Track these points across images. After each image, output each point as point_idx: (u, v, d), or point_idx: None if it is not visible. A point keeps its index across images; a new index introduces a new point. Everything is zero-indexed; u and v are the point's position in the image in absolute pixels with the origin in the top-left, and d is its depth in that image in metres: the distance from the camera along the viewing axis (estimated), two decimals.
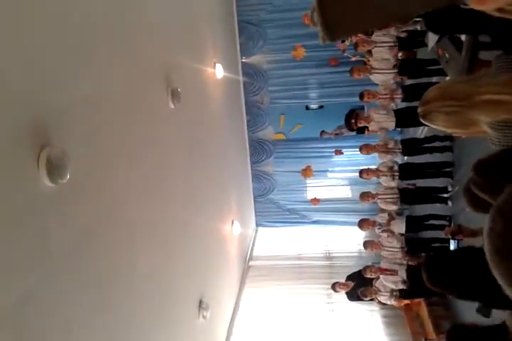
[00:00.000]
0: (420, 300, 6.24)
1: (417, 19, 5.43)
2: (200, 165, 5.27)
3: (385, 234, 6.10)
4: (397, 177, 6.08)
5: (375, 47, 5.80)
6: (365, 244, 6.42)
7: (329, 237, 9.14)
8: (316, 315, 7.03)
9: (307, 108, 9.83)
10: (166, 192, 3.98)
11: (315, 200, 9.23)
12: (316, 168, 9.17)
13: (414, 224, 6.17)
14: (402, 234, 6.14)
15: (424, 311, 6.13)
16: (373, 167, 6.38)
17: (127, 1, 3.40)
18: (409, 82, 6.53)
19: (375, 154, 6.38)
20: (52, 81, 2.28)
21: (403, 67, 5.85)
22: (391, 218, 6.16)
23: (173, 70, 4.23)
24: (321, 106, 9.72)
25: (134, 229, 3.26)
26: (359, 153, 6.48)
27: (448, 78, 4.79)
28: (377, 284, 5.86)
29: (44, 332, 2.17)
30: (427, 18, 3.51)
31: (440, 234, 5.59)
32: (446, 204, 5.93)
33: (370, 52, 5.95)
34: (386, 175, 6.09)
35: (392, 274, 5.76)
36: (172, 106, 4.13)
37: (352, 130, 6.75)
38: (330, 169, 9.61)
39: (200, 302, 4.87)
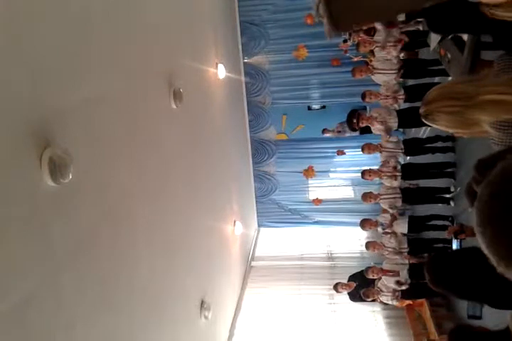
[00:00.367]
0: (423, 301, 6.23)
1: (419, 19, 5.42)
2: (202, 165, 5.28)
3: (387, 235, 6.09)
4: (399, 178, 6.07)
5: (377, 47, 5.79)
6: (367, 245, 6.40)
7: (331, 238, 9.13)
8: (318, 315, 7.03)
9: (309, 108, 9.82)
10: (168, 192, 3.98)
11: (317, 201, 9.23)
12: (318, 169, 9.16)
13: (416, 224, 6.16)
14: (404, 235, 6.14)
15: (426, 312, 6.12)
16: (375, 167, 6.37)
17: (129, 2, 3.41)
18: (411, 82, 6.52)
19: (377, 154, 6.37)
20: (54, 81, 2.29)
21: (406, 69, 5.84)
22: (393, 218, 6.15)
23: (175, 71, 4.24)
24: (323, 107, 9.72)
25: (136, 229, 3.26)
26: (361, 153, 6.47)
27: (450, 78, 4.79)
28: (379, 284, 5.85)
29: (46, 332, 2.17)
30: (429, 18, 3.50)
31: (442, 235, 5.58)
32: (449, 204, 5.92)
33: (372, 52, 5.95)
34: (388, 176, 6.08)
35: (394, 275, 5.75)
36: (174, 106, 4.13)
37: (354, 130, 6.73)
38: (332, 169, 9.60)
39: (202, 302, 4.87)
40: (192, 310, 4.65)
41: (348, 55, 7.27)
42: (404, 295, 5.84)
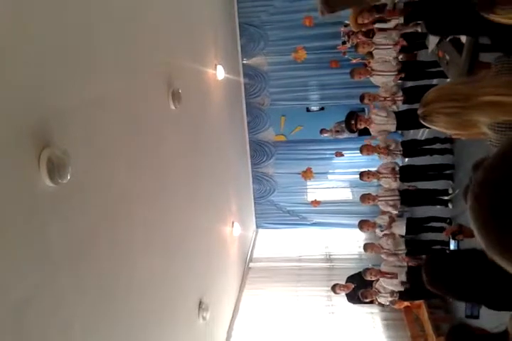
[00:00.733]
0: (421, 303, 6.23)
1: (418, 21, 5.44)
2: (200, 166, 5.28)
3: (385, 236, 6.10)
4: (398, 179, 6.08)
5: (376, 49, 5.80)
6: (366, 247, 6.41)
7: (329, 239, 9.13)
8: (316, 317, 7.02)
9: (308, 110, 9.84)
10: (166, 193, 3.98)
11: (315, 202, 9.23)
12: (317, 170, 9.16)
13: (414, 226, 6.17)
14: (402, 236, 6.14)
15: (424, 314, 6.12)
16: (374, 169, 6.37)
17: (128, 4, 3.41)
18: (409, 84, 6.54)
19: (376, 156, 6.38)
20: (54, 82, 2.29)
21: (405, 70, 5.86)
22: (392, 220, 6.16)
23: (174, 72, 4.24)
24: (322, 108, 9.73)
25: (134, 230, 3.26)
26: (360, 154, 6.47)
27: (448, 80, 4.80)
28: (377, 285, 5.86)
29: (45, 332, 2.17)
30: (427, 20, 3.52)
31: (440, 236, 5.59)
32: (447, 206, 5.92)
33: (370, 53, 5.96)
34: (387, 177, 6.09)
35: (392, 277, 5.76)
36: (173, 107, 4.13)
37: (352, 131, 6.74)
38: (330, 171, 9.61)
39: (200, 303, 4.86)
40: (190, 310, 4.65)
41: (346, 56, 7.28)
42: (402, 296, 5.84)
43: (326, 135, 8.87)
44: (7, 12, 1.97)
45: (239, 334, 6.64)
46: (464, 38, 3.66)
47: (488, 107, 1.28)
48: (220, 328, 6.19)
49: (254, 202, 9.37)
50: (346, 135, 8.50)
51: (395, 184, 6.11)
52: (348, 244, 8.80)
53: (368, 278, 5.89)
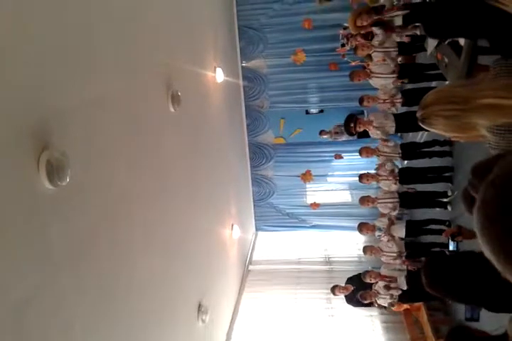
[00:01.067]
0: (420, 305, 6.22)
1: (416, 24, 5.45)
2: (200, 168, 5.28)
3: (385, 239, 6.09)
4: (397, 182, 6.08)
5: (375, 51, 5.81)
6: (365, 249, 6.40)
7: (329, 242, 9.12)
8: (316, 319, 7.01)
9: (307, 112, 9.84)
10: (166, 194, 3.98)
11: (315, 205, 9.22)
12: (316, 173, 9.16)
13: (414, 228, 6.16)
14: (401, 239, 6.13)
15: (423, 316, 6.11)
16: (373, 172, 6.38)
17: (128, 6, 3.42)
18: (408, 86, 6.54)
19: (375, 158, 6.38)
20: (54, 82, 2.29)
21: (403, 72, 5.87)
22: (391, 222, 6.15)
23: (173, 74, 4.24)
24: (321, 111, 9.73)
25: (134, 232, 3.25)
26: (359, 157, 6.48)
27: (447, 83, 4.80)
28: (376, 287, 5.85)
29: (44, 334, 2.16)
30: (425, 23, 3.52)
31: (440, 239, 5.58)
32: (446, 208, 5.92)
33: (369, 56, 5.97)
34: (386, 180, 6.09)
35: (391, 281, 5.75)
36: (172, 109, 4.14)
37: (351, 134, 6.74)
38: (330, 173, 9.60)
39: (200, 305, 4.85)
40: (189, 313, 4.64)
41: (345, 59, 7.29)
42: (402, 298, 5.83)
43: (325, 136, 8.85)
44: (7, 12, 1.98)
45: (238, 337, 6.62)
46: (462, 41, 3.67)
47: (487, 110, 1.28)
48: (220, 331, 6.18)
49: (254, 205, 9.37)
50: (345, 137, 8.49)
51: (394, 186, 6.11)
52: (347, 246, 8.78)
53: (368, 280, 5.88)
